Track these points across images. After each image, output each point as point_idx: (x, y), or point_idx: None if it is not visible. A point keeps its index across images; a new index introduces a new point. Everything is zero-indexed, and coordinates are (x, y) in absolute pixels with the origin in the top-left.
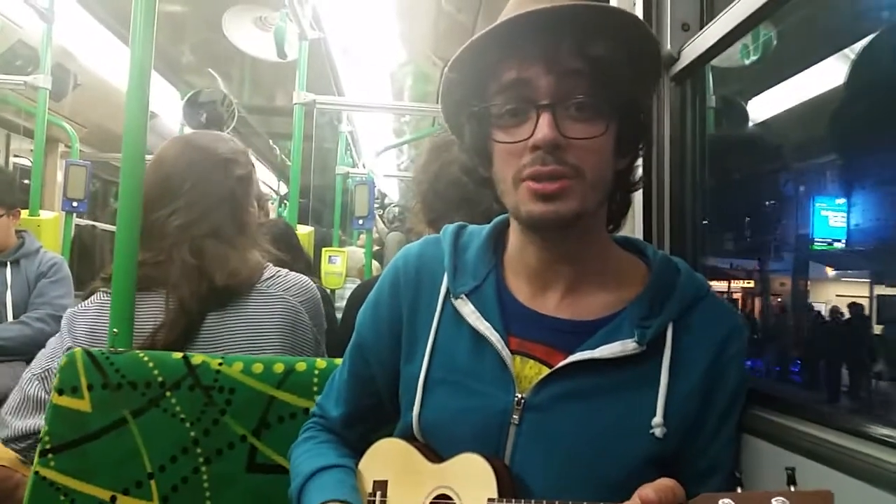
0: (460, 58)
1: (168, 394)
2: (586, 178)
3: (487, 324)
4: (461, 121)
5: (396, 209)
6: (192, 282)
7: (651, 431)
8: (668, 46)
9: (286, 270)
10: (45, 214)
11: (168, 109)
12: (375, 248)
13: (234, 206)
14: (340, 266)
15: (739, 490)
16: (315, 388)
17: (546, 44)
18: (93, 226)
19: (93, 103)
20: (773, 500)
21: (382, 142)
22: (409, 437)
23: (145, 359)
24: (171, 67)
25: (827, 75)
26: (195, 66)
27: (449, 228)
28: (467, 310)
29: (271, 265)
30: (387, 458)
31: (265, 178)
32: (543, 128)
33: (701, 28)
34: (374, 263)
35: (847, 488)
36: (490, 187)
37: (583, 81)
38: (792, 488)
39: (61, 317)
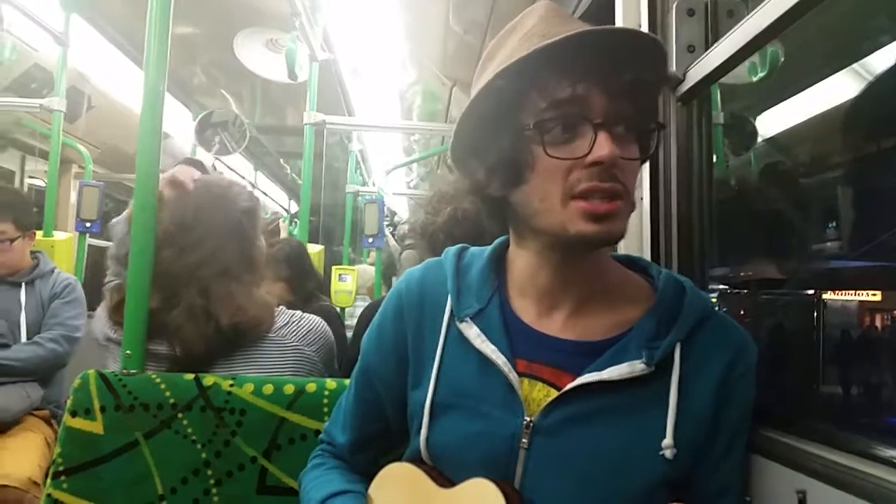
0: (505, 71)
1: (180, 415)
2: (630, 198)
3: (493, 347)
4: (487, 134)
5: (406, 226)
6: (198, 323)
7: (661, 453)
8: (674, 67)
9: (300, 314)
10: (58, 235)
11: (180, 130)
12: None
13: (243, 240)
14: (351, 284)
15: None
16: (325, 409)
17: (604, 64)
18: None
19: (106, 125)
20: None
21: (392, 160)
22: (418, 460)
23: (157, 380)
24: (184, 89)
25: (830, 92)
26: (207, 87)
27: (451, 251)
28: (472, 333)
29: (284, 308)
30: (397, 483)
31: (276, 197)
32: (605, 145)
33: (706, 49)
34: None
35: None
36: (496, 206)
37: (630, 103)
38: None
39: (74, 338)
